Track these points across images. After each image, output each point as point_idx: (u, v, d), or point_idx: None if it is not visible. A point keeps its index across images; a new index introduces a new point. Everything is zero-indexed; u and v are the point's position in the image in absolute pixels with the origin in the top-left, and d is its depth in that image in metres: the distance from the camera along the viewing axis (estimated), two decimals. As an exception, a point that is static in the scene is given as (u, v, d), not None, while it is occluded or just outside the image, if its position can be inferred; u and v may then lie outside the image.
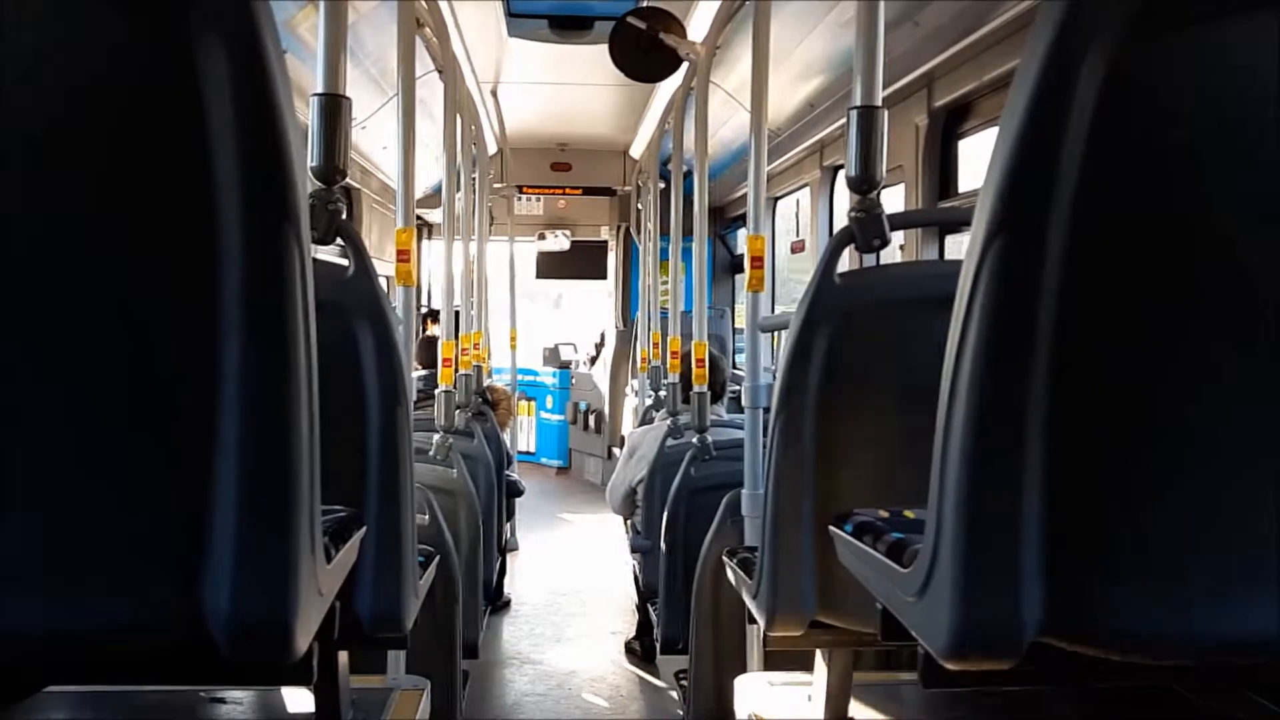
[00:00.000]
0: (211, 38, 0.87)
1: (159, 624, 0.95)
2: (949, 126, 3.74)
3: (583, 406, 9.21)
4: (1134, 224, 0.91)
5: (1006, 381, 0.94)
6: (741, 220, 7.40)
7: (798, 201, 6.07)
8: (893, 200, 4.06)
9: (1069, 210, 0.89)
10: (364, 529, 1.42)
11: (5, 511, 0.90)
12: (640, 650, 4.38)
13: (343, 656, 1.62)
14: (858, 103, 1.78)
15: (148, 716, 1.71)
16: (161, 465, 0.93)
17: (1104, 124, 0.87)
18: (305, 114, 1.81)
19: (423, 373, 4.34)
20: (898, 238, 3.96)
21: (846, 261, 1.77)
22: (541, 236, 8.93)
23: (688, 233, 4.23)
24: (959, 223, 3.15)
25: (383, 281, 1.70)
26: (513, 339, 7.78)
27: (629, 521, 4.30)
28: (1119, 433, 0.95)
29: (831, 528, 1.44)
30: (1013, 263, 0.92)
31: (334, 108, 1.77)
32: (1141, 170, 0.91)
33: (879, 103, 1.79)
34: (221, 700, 1.76)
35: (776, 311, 5.32)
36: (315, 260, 1.52)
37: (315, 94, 1.77)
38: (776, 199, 6.31)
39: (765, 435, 2.10)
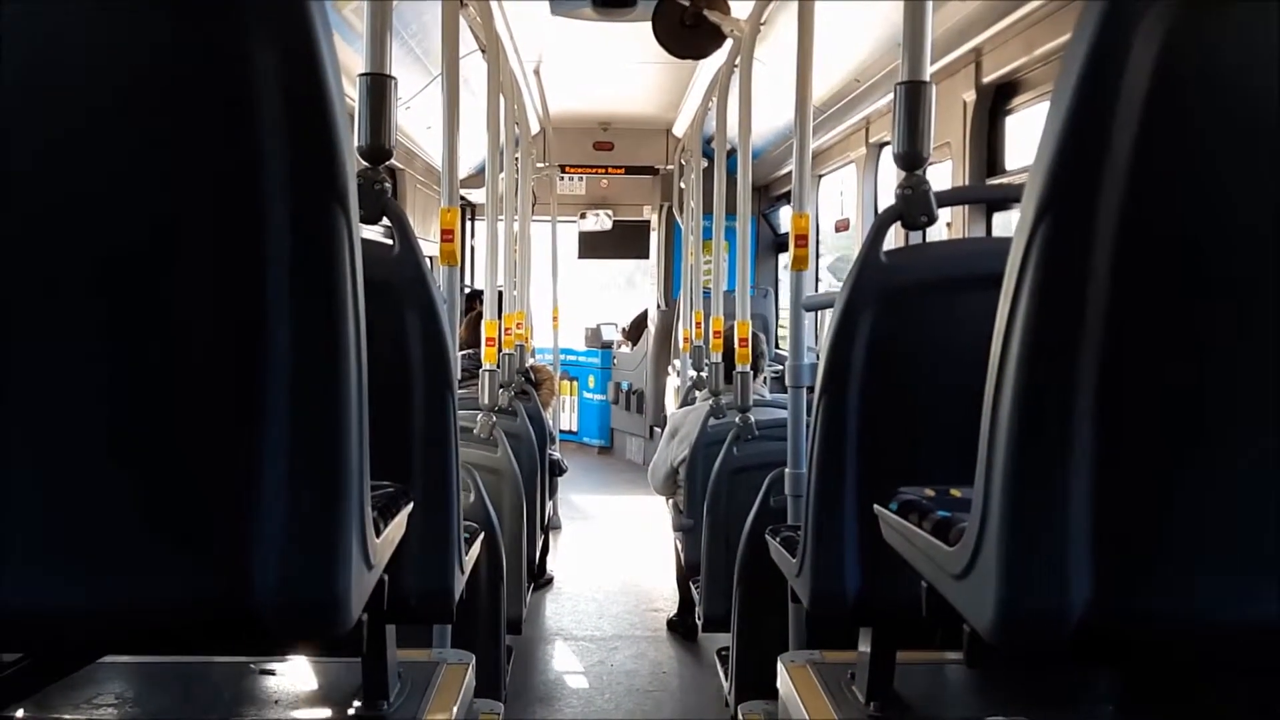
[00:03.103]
0: (265, 30, 0.88)
1: (211, 598, 0.97)
2: (997, 103, 3.69)
3: (625, 386, 9.23)
4: (1187, 203, 0.89)
5: (1056, 360, 0.92)
6: (785, 198, 7.36)
7: (842, 179, 6.01)
8: (939, 177, 4.01)
9: (1121, 188, 0.88)
10: (411, 504, 1.44)
11: (60, 491, 0.93)
12: (682, 628, 4.40)
13: (390, 630, 1.65)
14: (904, 78, 1.76)
15: (198, 687, 1.75)
16: (213, 441, 0.95)
17: (1157, 99, 0.86)
18: (351, 94, 1.82)
19: (467, 351, 4.37)
20: (944, 215, 3.92)
21: (893, 239, 1.75)
22: (583, 216, 8.94)
23: (731, 211, 4.21)
24: (1007, 200, 3.11)
25: (426, 261, 1.71)
26: (555, 319, 7.81)
27: (671, 501, 4.32)
28: (1169, 413, 0.93)
29: (876, 506, 1.44)
30: (1063, 241, 0.91)
31: (380, 88, 1.77)
32: (1196, 147, 0.89)
33: (926, 78, 1.76)
34: (271, 672, 1.80)
35: (821, 290, 5.29)
36: (362, 239, 1.54)
37: (361, 74, 1.79)
38: (821, 176, 6.25)
39: (808, 414, 2.10)
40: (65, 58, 0.87)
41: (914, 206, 1.71)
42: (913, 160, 1.73)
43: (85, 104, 0.89)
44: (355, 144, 1.77)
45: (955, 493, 1.30)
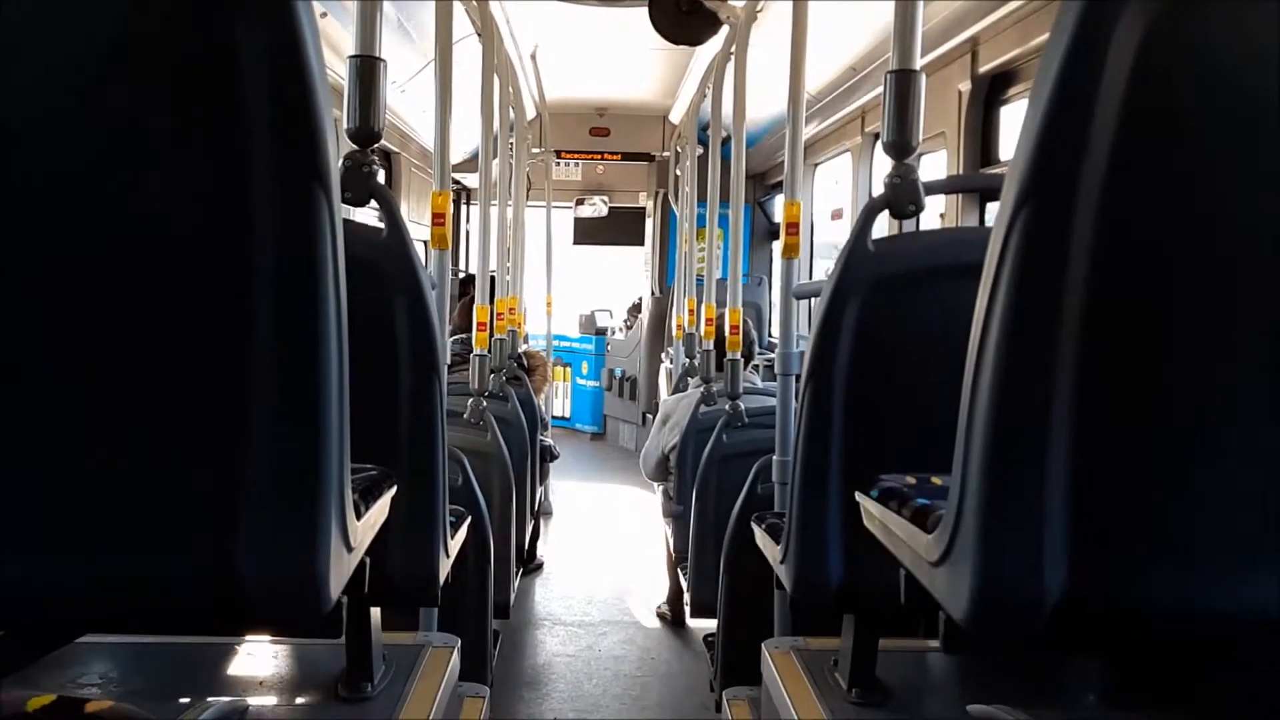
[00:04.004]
0: (249, 12, 0.88)
1: (192, 577, 0.97)
2: (992, 93, 3.69)
3: (618, 373, 9.24)
4: (1166, 194, 0.89)
5: (1033, 348, 0.93)
6: (780, 187, 7.35)
7: (839, 168, 6.01)
8: (935, 167, 4.02)
9: (1100, 179, 0.88)
10: (395, 487, 1.44)
11: (44, 471, 0.93)
12: (671, 614, 4.41)
13: (375, 613, 1.65)
14: (894, 67, 1.76)
15: (182, 667, 1.75)
16: (192, 423, 0.95)
17: (1137, 91, 0.86)
18: (343, 75, 1.82)
19: (460, 336, 4.36)
20: (938, 205, 3.92)
21: (887, 229, 1.75)
22: (579, 202, 8.93)
23: (726, 199, 4.21)
24: (994, 189, 3.11)
25: (420, 245, 1.71)
26: (548, 305, 7.80)
27: (662, 487, 4.33)
28: (1146, 400, 0.94)
29: (857, 493, 1.44)
30: (1041, 230, 0.91)
31: (369, 70, 1.77)
32: (1175, 139, 0.89)
33: (916, 67, 1.76)
34: (256, 653, 1.80)
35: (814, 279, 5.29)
36: (350, 222, 1.54)
37: (351, 56, 1.78)
38: (816, 165, 6.25)
39: (797, 402, 2.10)
40: (45, 42, 0.87)
41: (902, 195, 1.71)
42: (901, 149, 1.73)
43: (65, 86, 0.88)
44: (344, 126, 1.77)
45: (936, 480, 1.31)
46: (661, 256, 8.88)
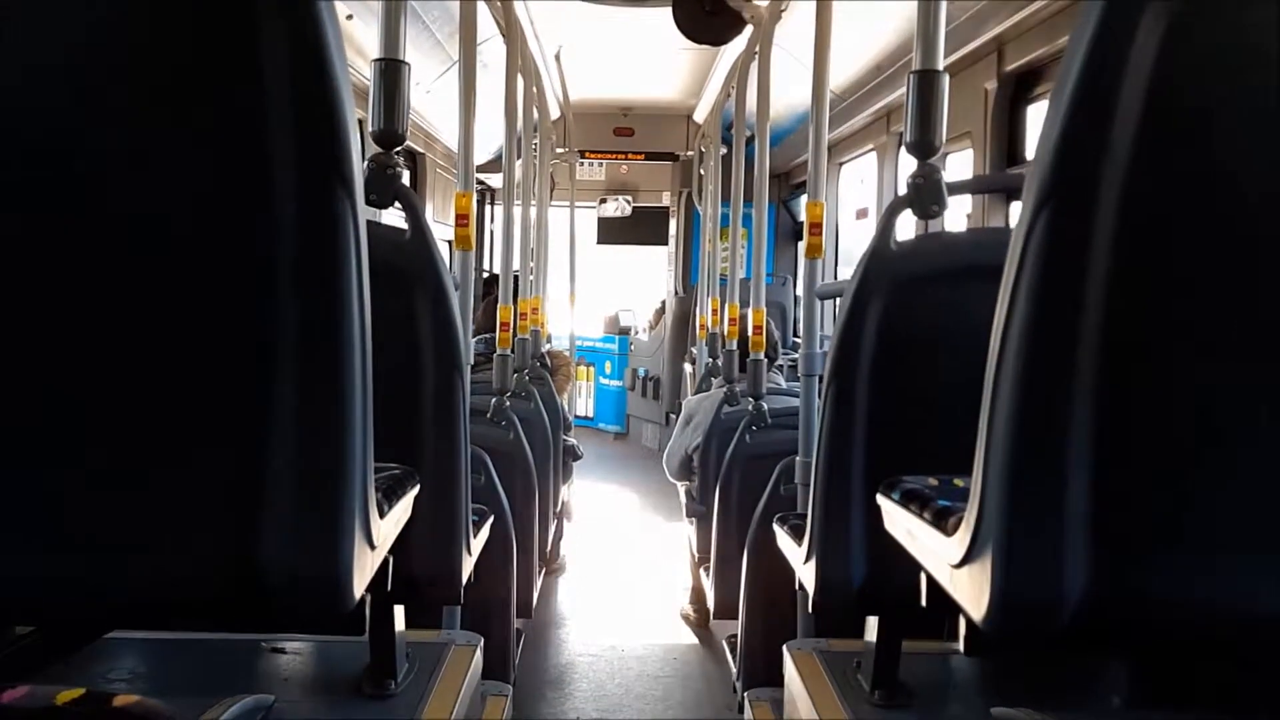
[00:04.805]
0: (272, 12, 0.89)
1: (217, 575, 0.99)
2: (1018, 92, 3.66)
3: (641, 373, 9.24)
4: (1188, 195, 0.89)
5: (1053, 350, 0.92)
6: (806, 186, 7.32)
7: (864, 167, 5.98)
8: (962, 165, 3.99)
9: (1122, 177, 0.87)
10: (418, 486, 1.45)
11: (68, 467, 0.94)
12: (693, 615, 4.41)
13: (399, 611, 1.67)
14: (918, 67, 1.76)
15: (209, 663, 1.77)
16: (218, 420, 0.96)
17: (1159, 91, 0.85)
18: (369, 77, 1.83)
19: (484, 336, 4.38)
20: (964, 205, 3.90)
21: (913, 229, 1.75)
22: (603, 201, 8.94)
23: (750, 198, 4.21)
24: (1017, 189, 3.09)
25: (444, 246, 1.72)
26: (571, 305, 7.81)
27: (685, 487, 4.32)
28: (1167, 402, 0.93)
29: (879, 495, 1.44)
30: (1062, 230, 0.90)
31: (393, 73, 1.78)
32: (1197, 139, 0.88)
33: (939, 67, 1.76)
34: (281, 650, 1.82)
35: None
36: (375, 224, 1.55)
37: (375, 59, 1.79)
38: (841, 164, 6.23)
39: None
40: (63, 37, 0.89)
41: (925, 195, 1.71)
42: (925, 149, 1.73)
43: (85, 83, 0.90)
44: (369, 128, 1.79)
45: (959, 482, 1.30)
46: (685, 256, 8.87)
